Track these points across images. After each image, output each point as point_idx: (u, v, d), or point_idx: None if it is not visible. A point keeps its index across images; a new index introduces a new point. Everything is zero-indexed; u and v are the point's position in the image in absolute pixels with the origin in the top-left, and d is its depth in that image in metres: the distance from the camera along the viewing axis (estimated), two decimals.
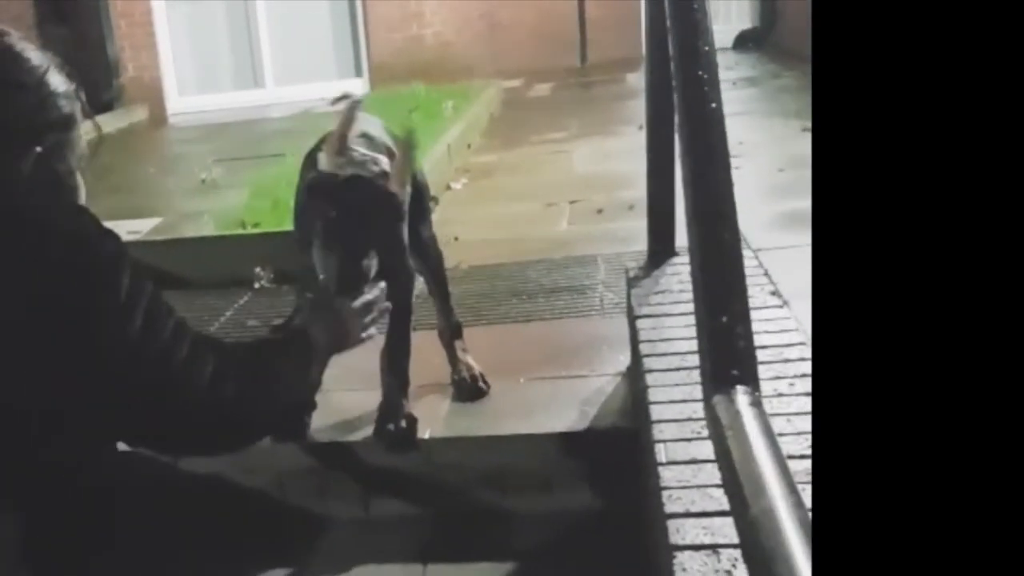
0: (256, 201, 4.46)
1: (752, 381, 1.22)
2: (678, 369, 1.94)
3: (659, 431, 1.70)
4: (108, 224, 1.24)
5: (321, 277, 1.98)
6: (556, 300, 3.23)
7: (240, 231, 4.07)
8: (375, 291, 1.74)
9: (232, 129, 7.42)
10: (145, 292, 1.22)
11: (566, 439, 2.29)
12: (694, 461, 1.56)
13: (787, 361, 1.89)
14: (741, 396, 1.17)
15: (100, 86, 7.71)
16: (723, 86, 1.52)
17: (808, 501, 0.97)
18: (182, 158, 6.69)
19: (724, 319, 1.27)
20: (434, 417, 2.41)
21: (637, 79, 7.32)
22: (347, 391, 2.46)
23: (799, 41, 7.43)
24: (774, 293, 2.32)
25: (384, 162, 2.08)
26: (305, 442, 2.33)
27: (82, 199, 1.31)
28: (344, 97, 2.20)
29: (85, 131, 1.32)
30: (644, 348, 2.11)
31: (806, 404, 1.69)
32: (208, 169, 5.59)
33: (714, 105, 1.47)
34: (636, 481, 2.04)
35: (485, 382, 2.52)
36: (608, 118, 6.37)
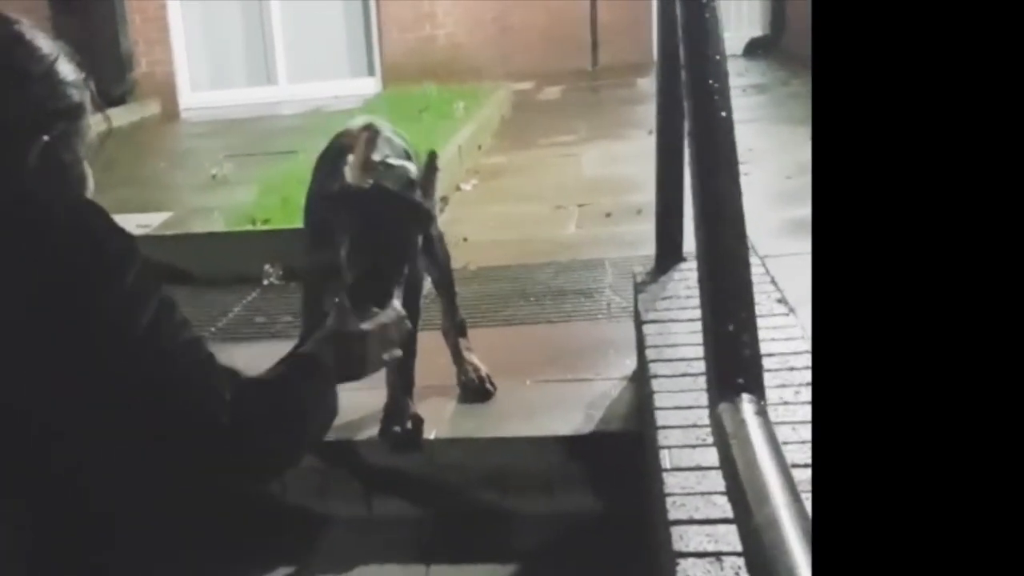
0: (266, 198, 4.47)
1: (758, 389, 1.22)
2: (684, 375, 1.95)
3: (664, 437, 1.71)
4: (118, 217, 1.21)
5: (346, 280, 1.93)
6: (563, 303, 3.24)
7: (249, 227, 4.09)
8: (392, 313, 1.58)
9: (243, 125, 7.44)
10: (154, 291, 1.19)
11: (571, 442, 2.30)
12: (698, 468, 1.57)
13: (792, 369, 1.89)
14: (746, 404, 1.18)
15: (113, 80, 7.74)
16: (733, 93, 1.52)
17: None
18: (193, 153, 6.71)
19: (730, 327, 1.28)
20: (439, 418, 2.41)
21: (648, 83, 7.32)
22: (352, 390, 2.46)
23: (808, 49, 7.42)
24: (780, 300, 2.32)
25: (412, 170, 2.06)
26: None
27: (90, 189, 1.28)
28: (366, 127, 2.15)
29: (95, 122, 1.28)
30: (650, 353, 2.11)
31: (811, 412, 1.70)
32: (219, 165, 5.61)
33: (724, 114, 1.48)
34: (639, 486, 2.05)
35: (491, 383, 2.53)
36: (618, 122, 6.37)
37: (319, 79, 8.69)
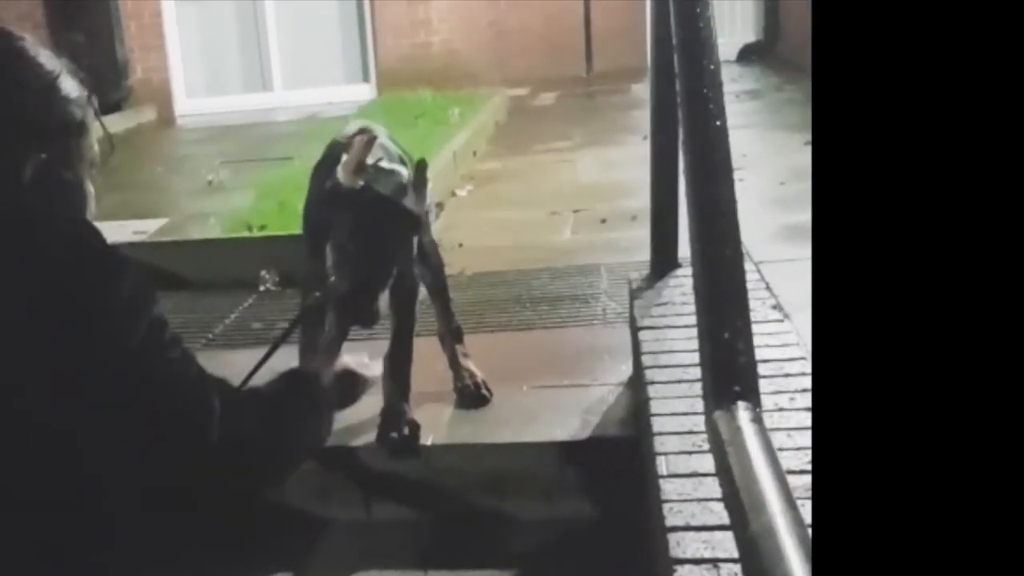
0: (262, 204, 4.48)
1: (753, 397, 1.23)
2: (680, 381, 1.96)
3: (660, 443, 1.72)
4: (114, 223, 1.20)
5: (333, 284, 1.95)
6: (559, 309, 3.25)
7: (246, 233, 4.09)
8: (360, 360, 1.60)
9: (239, 132, 7.45)
10: (146, 309, 1.18)
11: (567, 448, 2.31)
12: (695, 474, 1.57)
13: (788, 376, 1.90)
14: (742, 412, 1.19)
15: (109, 87, 7.73)
16: (726, 99, 1.54)
17: (808, 517, 0.98)
18: (189, 159, 6.72)
19: (726, 335, 1.29)
20: (436, 424, 2.42)
21: (642, 89, 7.34)
22: None
23: (802, 54, 7.44)
24: (775, 307, 2.34)
25: (404, 175, 2.07)
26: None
27: (91, 209, 1.27)
28: (362, 131, 2.14)
29: (96, 139, 1.27)
30: (646, 359, 2.12)
31: (806, 419, 1.71)
32: (215, 171, 5.61)
33: (718, 123, 1.49)
34: (636, 491, 2.06)
35: (487, 389, 2.54)
36: (613, 128, 6.39)
37: (314, 85, 8.69)
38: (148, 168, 6.26)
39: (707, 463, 1.50)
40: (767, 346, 2.01)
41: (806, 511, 1.01)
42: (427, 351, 2.52)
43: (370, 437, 2.33)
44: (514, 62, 8.78)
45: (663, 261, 2.65)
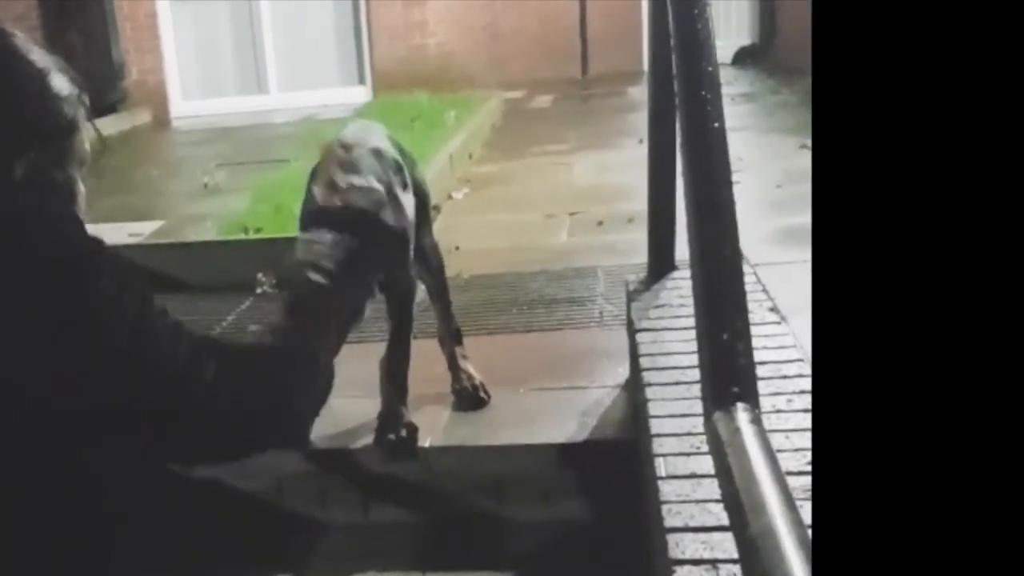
0: (258, 206, 4.48)
1: (752, 399, 1.23)
2: (678, 383, 1.96)
3: (659, 445, 1.72)
4: (109, 226, 1.20)
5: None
6: (556, 311, 3.25)
7: (242, 236, 4.09)
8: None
9: (235, 134, 7.45)
10: (132, 304, 1.18)
11: (566, 450, 2.31)
12: (693, 476, 1.58)
13: (785, 377, 1.91)
14: (741, 414, 1.19)
15: (104, 88, 7.73)
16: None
17: (807, 518, 0.99)
18: (185, 162, 6.71)
19: (725, 336, 1.29)
20: (434, 426, 2.42)
21: (637, 92, 7.36)
22: (347, 399, 2.47)
23: (797, 57, 7.47)
24: (772, 309, 2.34)
25: (381, 192, 2.05)
26: (306, 449, 2.34)
27: (81, 207, 1.27)
28: (344, 146, 2.12)
29: (88, 137, 1.26)
30: (644, 361, 2.13)
31: (804, 421, 1.71)
32: (211, 173, 5.61)
33: (717, 125, 1.49)
34: (634, 493, 2.06)
35: (486, 392, 2.54)
36: (608, 130, 6.40)
37: (310, 88, 8.70)
38: (143, 170, 6.26)
39: (705, 465, 1.51)
40: (764, 348, 2.02)
41: (805, 512, 1.01)
42: (424, 353, 2.52)
43: (368, 439, 2.33)
44: (510, 65, 8.79)
45: (660, 264, 2.65)
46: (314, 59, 8.93)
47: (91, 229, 1.21)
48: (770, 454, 1.10)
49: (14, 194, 1.16)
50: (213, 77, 8.95)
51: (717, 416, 1.21)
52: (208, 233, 4.30)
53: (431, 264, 2.55)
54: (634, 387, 2.32)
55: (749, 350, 1.29)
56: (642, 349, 2.20)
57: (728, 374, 1.26)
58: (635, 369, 2.30)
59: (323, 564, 2.29)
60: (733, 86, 7.74)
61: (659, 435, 1.76)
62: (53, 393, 1.14)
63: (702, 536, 1.40)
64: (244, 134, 7.41)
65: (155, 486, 2.15)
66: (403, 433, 2.31)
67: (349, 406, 2.47)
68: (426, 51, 8.89)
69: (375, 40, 8.87)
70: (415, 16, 8.84)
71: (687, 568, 1.33)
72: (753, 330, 1.35)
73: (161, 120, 8.53)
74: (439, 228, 3.70)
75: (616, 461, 2.24)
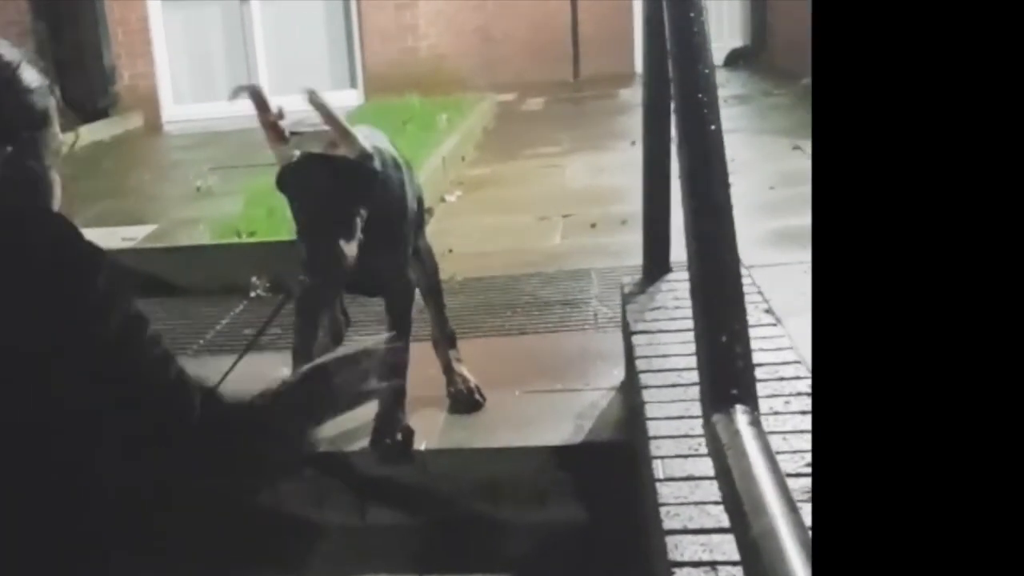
0: (251, 209, 4.47)
1: (751, 400, 1.24)
2: (674, 386, 1.96)
3: (656, 447, 1.73)
4: (103, 230, 1.20)
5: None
6: (550, 313, 3.26)
7: (235, 240, 4.08)
8: (373, 343, 1.46)
9: (227, 137, 7.42)
10: (123, 303, 1.17)
11: (561, 452, 2.31)
12: (691, 478, 1.58)
13: (782, 379, 1.91)
14: (740, 415, 1.19)
15: (96, 93, 7.71)
16: None
17: (807, 519, 0.99)
18: (177, 165, 6.70)
19: (723, 338, 1.29)
20: (430, 429, 2.42)
21: (629, 94, 7.37)
22: None
23: (790, 59, 7.49)
24: (768, 311, 2.35)
25: (327, 133, 2.14)
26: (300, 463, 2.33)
27: (57, 198, 1.25)
28: (244, 88, 2.20)
29: (61, 128, 1.25)
30: (640, 364, 2.13)
31: (802, 422, 1.72)
32: (203, 177, 5.60)
33: (714, 127, 1.50)
34: (630, 495, 2.06)
35: (481, 395, 2.54)
36: (601, 133, 6.40)
37: (301, 91, 8.68)
38: (136, 174, 6.24)
39: (703, 467, 1.51)
40: (761, 350, 2.02)
41: (804, 514, 1.01)
42: (419, 356, 2.52)
43: (364, 442, 2.33)
44: (501, 67, 8.79)
45: (655, 266, 2.65)
46: (305, 62, 8.92)
47: (84, 233, 1.20)
48: (770, 456, 1.10)
49: None
50: (204, 81, 8.93)
51: (716, 418, 1.22)
52: (201, 237, 4.29)
53: (425, 267, 2.55)
54: (630, 389, 2.32)
55: (748, 352, 1.29)
56: (638, 351, 2.20)
57: (727, 376, 1.26)
58: (631, 371, 2.30)
59: (320, 566, 2.29)
60: (726, 88, 7.75)
61: (657, 437, 1.77)
62: (33, 387, 1.13)
63: (701, 538, 1.41)
64: (236, 138, 7.38)
65: (155, 487, 2.14)
66: (399, 436, 2.31)
67: None
68: (418, 54, 8.88)
69: (366, 43, 8.86)
70: (406, 19, 8.84)
71: (686, 570, 1.33)
72: (749, 332, 1.36)
73: (153, 124, 8.51)
74: (432, 231, 3.70)
75: (611, 463, 2.24)
